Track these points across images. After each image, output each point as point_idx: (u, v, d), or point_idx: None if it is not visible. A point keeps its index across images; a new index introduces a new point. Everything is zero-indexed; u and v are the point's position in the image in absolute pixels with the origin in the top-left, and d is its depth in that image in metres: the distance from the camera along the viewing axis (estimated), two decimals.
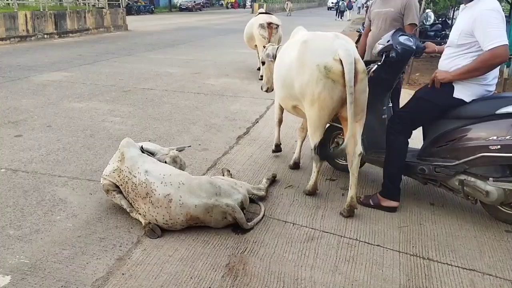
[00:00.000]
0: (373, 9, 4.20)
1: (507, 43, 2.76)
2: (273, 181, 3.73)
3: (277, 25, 8.34)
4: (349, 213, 3.19)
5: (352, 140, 3.15)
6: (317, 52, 3.08)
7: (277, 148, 4.42)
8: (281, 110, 4.16)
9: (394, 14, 3.99)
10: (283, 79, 3.48)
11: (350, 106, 2.94)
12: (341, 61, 2.94)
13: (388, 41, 3.24)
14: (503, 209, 3.06)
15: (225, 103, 6.48)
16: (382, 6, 4.09)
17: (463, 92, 2.97)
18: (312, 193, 3.55)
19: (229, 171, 3.79)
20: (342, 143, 3.79)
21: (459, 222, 3.16)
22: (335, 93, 3.02)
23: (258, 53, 8.51)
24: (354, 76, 2.93)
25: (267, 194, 3.47)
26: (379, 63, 3.30)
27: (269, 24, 8.25)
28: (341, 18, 34.42)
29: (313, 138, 3.29)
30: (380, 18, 4.08)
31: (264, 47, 4.46)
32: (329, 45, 3.06)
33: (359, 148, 3.17)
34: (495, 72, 2.99)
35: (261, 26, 8.26)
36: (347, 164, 3.92)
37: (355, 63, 2.96)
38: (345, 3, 35.97)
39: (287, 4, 38.07)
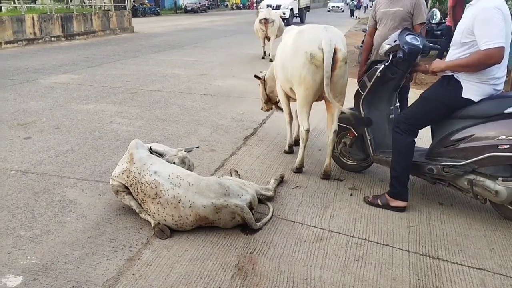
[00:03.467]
0: (380, 9, 4.19)
1: (504, 45, 2.72)
2: (281, 181, 3.73)
3: (273, 20, 10.91)
4: (325, 176, 3.83)
5: (330, 118, 3.76)
6: (307, 41, 3.54)
7: (290, 149, 4.47)
8: (287, 102, 4.25)
9: (403, 13, 3.99)
10: (282, 63, 3.89)
11: (327, 88, 3.43)
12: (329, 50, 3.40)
13: (395, 41, 3.24)
14: None
15: (232, 104, 6.50)
16: (390, 6, 4.09)
17: (472, 92, 2.95)
18: (299, 170, 3.97)
19: (237, 171, 3.80)
20: (350, 142, 3.83)
21: (468, 221, 3.15)
22: (317, 76, 3.51)
23: (262, 43, 11.39)
24: (333, 63, 3.42)
25: (275, 194, 3.48)
26: (386, 63, 3.30)
27: (266, 19, 10.89)
28: (355, 16, 36.77)
29: (301, 114, 3.79)
30: (388, 18, 4.07)
31: (266, 37, 5.65)
32: (316, 36, 3.51)
33: (335, 126, 3.73)
34: (504, 71, 2.97)
35: (260, 21, 11.00)
36: (355, 164, 3.96)
37: (335, 52, 3.42)
38: (355, 2, 37.83)
39: None
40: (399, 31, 3.32)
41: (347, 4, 43.84)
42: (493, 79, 2.93)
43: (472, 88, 2.95)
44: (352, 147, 3.84)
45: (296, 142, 4.48)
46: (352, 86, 3.94)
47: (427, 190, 3.64)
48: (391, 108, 3.62)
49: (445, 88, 3.08)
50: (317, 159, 4.35)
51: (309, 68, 3.49)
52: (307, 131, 3.79)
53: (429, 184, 3.51)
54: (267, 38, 11.18)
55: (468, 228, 3.06)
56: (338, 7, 45.97)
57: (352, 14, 37.63)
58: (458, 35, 2.96)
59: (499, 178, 2.89)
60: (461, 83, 2.97)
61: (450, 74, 3.03)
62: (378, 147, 3.59)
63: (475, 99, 2.95)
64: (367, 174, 3.99)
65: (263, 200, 3.32)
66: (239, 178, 3.63)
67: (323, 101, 3.83)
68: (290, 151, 4.45)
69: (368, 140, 3.57)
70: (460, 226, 3.09)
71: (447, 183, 3.22)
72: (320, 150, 4.59)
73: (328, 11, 45.78)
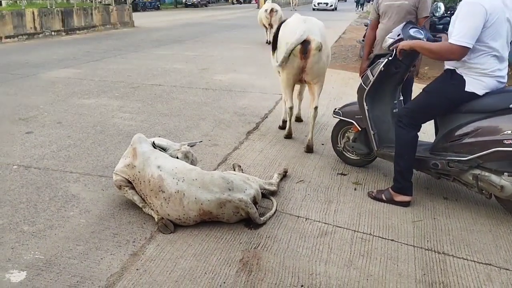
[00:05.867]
0: (384, 2, 4.13)
1: (469, 46, 2.71)
2: (284, 176, 3.71)
3: (277, 10, 13.00)
4: (308, 150, 4.33)
5: (312, 97, 4.35)
6: (287, 33, 4.12)
7: (287, 130, 4.75)
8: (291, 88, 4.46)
9: (408, 6, 3.94)
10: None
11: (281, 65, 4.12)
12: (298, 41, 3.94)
13: (399, 34, 3.21)
14: None
15: (234, 99, 6.47)
16: None
17: (475, 85, 2.92)
18: (289, 136, 4.69)
19: (240, 166, 3.78)
20: (353, 137, 3.81)
21: (473, 216, 3.14)
22: (295, 62, 4.07)
23: (266, 31, 13.33)
24: (307, 51, 3.96)
25: (279, 189, 3.46)
26: (390, 57, 3.27)
27: (271, 10, 12.92)
28: (362, 9, 35.86)
29: (285, 94, 4.44)
30: (393, 11, 4.01)
31: (269, 25, 8.83)
32: (296, 28, 4.05)
33: (315, 103, 4.30)
34: (505, 64, 2.93)
35: (265, 11, 13.05)
36: (358, 159, 3.94)
37: (309, 42, 3.94)
38: None
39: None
40: (402, 24, 3.29)
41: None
42: (495, 71, 2.89)
43: (475, 82, 2.91)
44: (355, 142, 3.82)
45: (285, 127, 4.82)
46: (353, 80, 3.91)
47: (431, 185, 3.62)
48: (394, 102, 3.60)
49: (448, 82, 3.05)
50: (320, 153, 4.33)
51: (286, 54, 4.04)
52: (291, 108, 4.44)
53: (433, 178, 3.49)
54: (270, 25, 12.92)
55: (473, 223, 3.04)
56: (327, 4, 36.23)
57: (358, 5, 36.90)
58: (451, 27, 2.94)
59: (504, 173, 2.86)
60: (464, 77, 2.94)
61: (452, 68, 3.00)
62: (382, 141, 3.57)
63: (479, 92, 2.92)
64: (371, 168, 3.97)
65: (266, 194, 3.31)
66: (243, 172, 3.61)
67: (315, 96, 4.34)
68: (288, 132, 4.74)
69: (372, 135, 3.55)
70: (465, 221, 3.07)
71: (451, 178, 3.20)
72: (323, 144, 4.57)
73: (314, 8, 35.88)
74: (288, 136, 4.72)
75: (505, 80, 2.98)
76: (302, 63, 4.05)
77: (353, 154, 3.96)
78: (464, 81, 2.94)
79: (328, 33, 4.76)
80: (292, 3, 37.34)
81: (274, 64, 4.47)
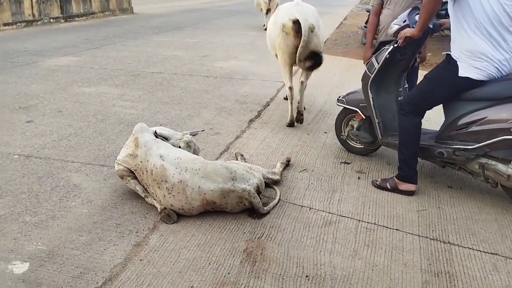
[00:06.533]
0: None
1: None
2: (287, 165, 3.68)
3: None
4: (299, 116, 4.68)
5: (304, 73, 4.69)
6: (281, 14, 4.42)
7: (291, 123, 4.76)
8: (289, 71, 4.62)
9: None
10: (269, 34, 4.81)
11: (303, 42, 4.23)
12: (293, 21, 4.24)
13: (405, 21, 3.15)
14: None
15: (235, 86, 6.41)
16: None
17: (468, 70, 2.86)
18: (291, 124, 4.69)
19: (242, 155, 3.75)
20: (358, 125, 3.77)
21: (478, 205, 3.11)
22: (289, 41, 4.34)
23: (264, 15, 12.55)
24: (300, 31, 4.18)
25: (282, 178, 3.43)
26: (395, 45, 3.21)
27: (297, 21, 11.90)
28: None
29: (284, 74, 4.62)
30: None
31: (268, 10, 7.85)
32: (289, 9, 4.39)
33: (303, 79, 4.66)
34: (507, 51, 2.83)
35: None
36: (362, 148, 3.91)
37: (299, 23, 4.18)
38: None
39: None
40: (408, 10, 3.22)
41: None
42: (487, 54, 2.80)
43: (467, 66, 2.86)
44: (359, 130, 3.78)
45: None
46: (355, 66, 3.84)
47: (436, 173, 3.59)
48: (399, 90, 3.54)
49: (445, 67, 3.02)
50: (323, 142, 4.29)
51: (283, 35, 4.34)
52: (290, 88, 4.56)
53: (438, 167, 3.46)
54: (268, 10, 12.58)
55: (478, 212, 3.02)
56: None
57: None
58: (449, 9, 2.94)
59: (511, 162, 2.83)
60: (457, 62, 2.90)
61: (449, 53, 2.97)
62: (387, 130, 3.53)
63: (474, 77, 2.85)
64: (375, 157, 3.94)
65: (269, 184, 3.28)
66: (245, 162, 3.58)
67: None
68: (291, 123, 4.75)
69: (377, 123, 3.51)
70: (470, 209, 3.05)
71: (457, 166, 3.17)
72: (326, 132, 4.53)
73: None
74: (291, 123, 4.70)
75: (507, 69, 2.89)
76: (297, 42, 4.29)
77: (357, 142, 3.92)
78: (457, 66, 2.90)
79: (329, 19, 4.89)
80: None
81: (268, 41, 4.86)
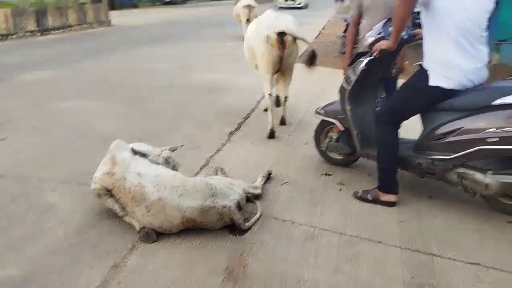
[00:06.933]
0: None
1: None
2: (268, 178, 3.65)
3: (254, 6, 12.85)
4: (281, 123, 5.03)
5: (282, 86, 4.97)
6: (264, 27, 4.50)
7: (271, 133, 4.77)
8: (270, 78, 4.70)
9: (393, 2, 3.85)
10: (249, 44, 4.83)
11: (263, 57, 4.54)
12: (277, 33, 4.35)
13: (380, 33, 3.17)
14: (503, 201, 3.02)
15: (215, 98, 6.37)
16: None
17: (439, 79, 2.89)
18: (272, 135, 4.69)
19: (223, 169, 3.71)
20: (336, 137, 3.78)
21: (459, 214, 3.13)
22: (273, 52, 4.45)
23: (244, 25, 12.36)
24: (283, 43, 4.35)
25: (263, 192, 3.40)
26: (371, 56, 3.23)
27: (249, 5, 12.84)
28: (342, 2, 34.61)
29: (264, 82, 4.69)
30: (378, 8, 3.91)
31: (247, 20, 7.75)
32: (271, 23, 4.51)
33: (286, 93, 4.94)
34: (478, 61, 2.87)
35: (244, 7, 12.89)
36: (342, 159, 3.91)
37: (285, 34, 4.32)
38: None
39: None
40: (382, 22, 3.24)
41: None
42: (456, 61, 2.83)
43: (436, 74, 2.90)
44: (338, 142, 3.78)
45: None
46: (335, 77, 3.85)
47: (416, 183, 3.60)
48: (377, 100, 3.57)
49: (418, 77, 3.05)
50: (304, 153, 4.28)
51: (267, 46, 4.43)
52: (270, 95, 4.70)
53: (418, 177, 3.48)
54: (248, 21, 12.69)
55: (459, 221, 3.03)
56: (294, 1, 30.75)
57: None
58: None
59: (488, 171, 2.86)
60: (428, 71, 2.94)
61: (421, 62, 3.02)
62: (366, 141, 3.53)
63: (445, 85, 2.88)
64: (355, 168, 3.94)
65: (251, 198, 3.25)
66: (226, 176, 3.54)
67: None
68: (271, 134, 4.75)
69: (355, 134, 3.51)
70: (451, 219, 3.06)
71: (436, 176, 3.19)
72: (306, 144, 4.52)
73: (281, 7, 28.59)
74: (271, 134, 4.70)
75: (479, 78, 2.92)
76: (280, 53, 4.43)
77: (336, 154, 3.92)
78: (427, 75, 2.94)
79: (307, 29, 4.95)
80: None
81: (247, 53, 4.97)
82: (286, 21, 4.58)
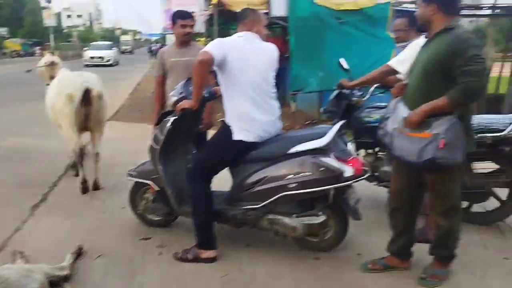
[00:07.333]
0: (168, 58, 4.09)
1: (210, 51, 2.89)
2: (79, 254, 3.28)
3: (57, 62, 6.23)
4: (95, 187, 4.72)
5: (93, 143, 4.83)
6: (66, 85, 4.54)
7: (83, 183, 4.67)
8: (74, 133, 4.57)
9: (194, 61, 3.97)
10: (51, 103, 4.71)
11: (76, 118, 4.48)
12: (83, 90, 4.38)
13: (181, 92, 3.24)
14: (309, 239, 3.29)
15: (14, 167, 5.59)
16: (179, 55, 4.01)
17: (240, 133, 3.08)
18: (85, 188, 4.63)
19: (22, 253, 3.19)
20: (152, 198, 3.65)
21: (275, 260, 3.25)
22: (77, 110, 4.43)
23: (46, 83, 5.82)
24: (88, 100, 4.44)
25: (73, 271, 3.02)
26: (176, 115, 3.25)
27: (51, 62, 6.23)
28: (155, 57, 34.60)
29: (69, 141, 4.62)
30: (179, 68, 3.99)
31: (51, 77, 5.74)
32: (73, 81, 4.58)
33: (96, 149, 4.80)
34: (271, 114, 3.15)
35: (47, 64, 6.29)
36: (161, 219, 3.78)
37: (89, 92, 4.43)
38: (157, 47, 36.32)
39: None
40: (183, 81, 3.34)
41: (151, 50, 37.45)
42: (251, 115, 3.05)
43: (238, 130, 3.08)
44: (155, 202, 3.65)
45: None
46: (151, 133, 3.74)
47: (233, 234, 3.65)
48: (188, 157, 3.59)
49: (222, 132, 3.20)
50: (121, 219, 4.00)
51: (69, 105, 4.40)
52: (76, 151, 4.62)
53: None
54: (51, 78, 11.05)
55: (275, 266, 3.16)
56: (102, 58, 28.33)
57: (152, 54, 34.66)
58: None
59: (293, 215, 3.10)
60: (230, 127, 3.11)
61: (223, 119, 3.19)
62: (182, 199, 3.48)
63: (247, 139, 3.08)
64: (175, 227, 3.83)
65: (57, 282, 2.83)
66: (26, 261, 3.05)
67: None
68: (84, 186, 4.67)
69: (170, 193, 3.44)
70: (268, 266, 3.16)
71: (251, 225, 3.31)
72: (123, 208, 4.23)
73: (87, 64, 26.69)
74: (84, 188, 4.64)
75: (276, 126, 3.22)
76: (86, 110, 4.48)
77: (154, 215, 3.78)
78: (231, 130, 3.11)
79: (122, 85, 4.80)
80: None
81: (50, 113, 4.81)
82: (89, 78, 4.65)
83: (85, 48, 31.53)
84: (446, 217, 2.79)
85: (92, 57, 28.30)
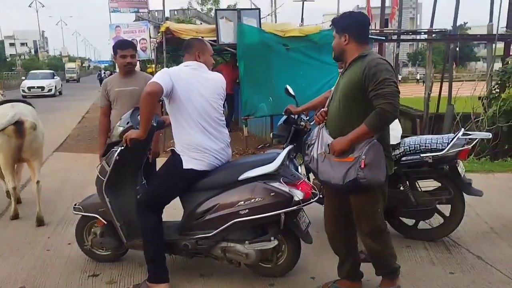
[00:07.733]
0: (114, 88, 4.01)
1: (158, 82, 2.90)
2: None
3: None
4: (39, 223, 4.50)
5: (32, 172, 4.74)
6: None
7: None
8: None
9: (139, 91, 3.88)
10: None
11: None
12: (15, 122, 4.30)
13: (128, 122, 3.19)
14: (263, 265, 3.27)
15: None
16: (124, 85, 3.95)
17: (191, 162, 3.05)
18: (16, 216, 4.68)
19: None
20: (100, 232, 3.51)
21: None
22: (11, 143, 4.39)
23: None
24: (22, 131, 4.36)
25: None
26: (123, 146, 3.18)
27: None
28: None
29: (7, 176, 4.59)
30: (125, 97, 3.92)
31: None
32: (6, 112, 4.41)
33: (37, 177, 4.64)
34: (221, 141, 3.16)
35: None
36: (110, 254, 3.64)
37: (23, 123, 4.35)
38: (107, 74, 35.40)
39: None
40: (130, 111, 3.29)
41: (100, 77, 35.98)
42: (201, 144, 3.04)
43: (189, 158, 3.06)
44: (103, 237, 3.51)
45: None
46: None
47: (186, 264, 3.57)
48: (137, 188, 3.50)
49: (171, 162, 3.18)
50: (67, 256, 3.82)
51: (3, 137, 4.33)
52: (14, 188, 4.62)
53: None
54: None
55: None
56: (42, 88, 25.46)
57: (101, 82, 35.75)
58: None
59: (246, 242, 3.08)
60: (180, 156, 3.09)
61: (173, 148, 3.16)
62: (131, 231, 3.36)
63: (198, 167, 3.06)
64: (126, 260, 3.69)
65: None
66: None
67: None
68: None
69: (119, 226, 3.33)
70: None
71: (203, 254, 3.26)
72: (70, 244, 4.04)
73: (24, 95, 22.49)
74: (15, 216, 4.71)
75: (226, 154, 3.23)
76: (19, 142, 4.39)
77: (103, 249, 3.63)
78: (181, 160, 3.08)
79: (69, 114, 4.67)
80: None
81: None
82: (21, 109, 4.59)
83: (23, 78, 28.10)
84: (372, 238, 2.83)
85: (30, 88, 25.66)
